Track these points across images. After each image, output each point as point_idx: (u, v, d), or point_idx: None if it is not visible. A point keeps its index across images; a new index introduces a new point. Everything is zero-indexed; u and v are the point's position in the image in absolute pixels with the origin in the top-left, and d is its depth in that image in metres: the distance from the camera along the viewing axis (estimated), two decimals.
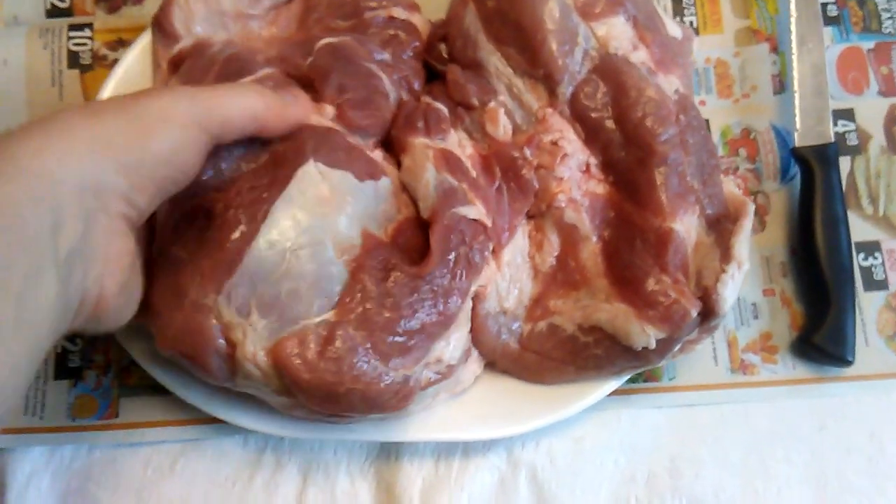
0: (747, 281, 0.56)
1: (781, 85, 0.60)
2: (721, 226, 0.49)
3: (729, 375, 0.54)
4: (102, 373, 0.54)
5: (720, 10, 0.62)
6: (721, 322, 0.49)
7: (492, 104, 0.51)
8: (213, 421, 0.51)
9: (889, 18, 0.62)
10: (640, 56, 0.51)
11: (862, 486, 0.52)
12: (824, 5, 0.62)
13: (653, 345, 0.46)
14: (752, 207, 0.49)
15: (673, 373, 0.54)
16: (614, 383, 0.51)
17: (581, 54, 0.50)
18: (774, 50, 0.61)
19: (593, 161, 0.50)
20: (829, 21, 0.62)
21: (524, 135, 0.51)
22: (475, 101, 0.51)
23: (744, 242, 0.48)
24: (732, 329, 0.55)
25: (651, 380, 0.54)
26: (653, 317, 0.46)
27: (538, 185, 0.50)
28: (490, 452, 0.53)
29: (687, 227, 0.48)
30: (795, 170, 0.58)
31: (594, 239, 0.50)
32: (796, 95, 0.57)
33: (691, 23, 0.61)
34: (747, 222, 0.49)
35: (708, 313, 0.47)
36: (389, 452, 0.52)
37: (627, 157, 0.49)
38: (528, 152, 0.50)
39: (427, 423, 0.50)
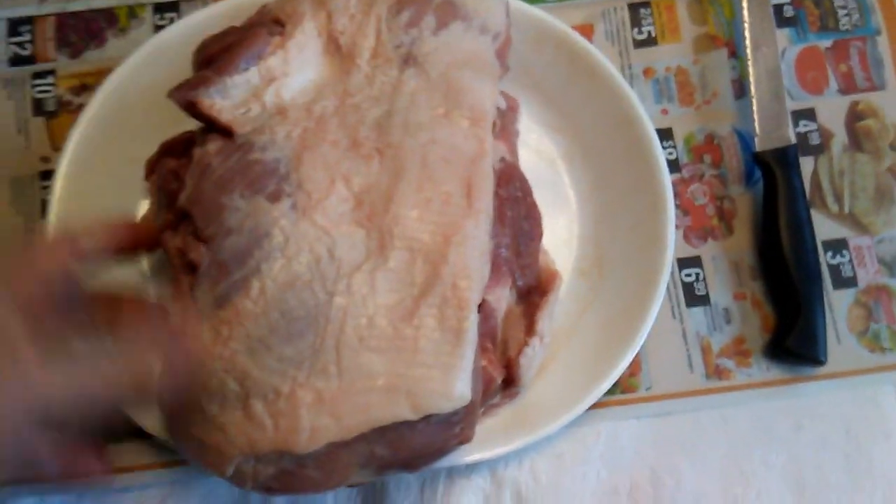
0: (717, 286, 0.57)
1: (742, 89, 0.61)
2: (530, 298, 0.52)
3: (704, 381, 0.55)
4: None
5: (677, 18, 0.63)
6: (522, 390, 0.51)
7: None
8: None
9: (846, 15, 0.63)
10: None
11: (840, 483, 0.53)
12: (780, 6, 0.63)
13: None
14: (560, 282, 0.53)
15: (649, 382, 0.55)
16: (593, 397, 0.52)
17: None
18: (733, 55, 0.62)
19: None
20: (785, 22, 0.62)
21: None
22: None
23: (547, 318, 0.51)
24: (706, 335, 0.56)
25: (628, 391, 0.55)
26: None
27: None
28: (474, 474, 0.53)
29: (498, 297, 0.50)
30: (759, 173, 0.58)
31: None
32: (754, 100, 0.58)
33: (650, 32, 0.62)
34: (553, 297, 0.52)
35: (510, 381, 0.50)
36: (374, 482, 0.53)
37: None
38: None
39: None
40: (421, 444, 0.43)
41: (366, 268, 0.43)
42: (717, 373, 0.55)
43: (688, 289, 0.57)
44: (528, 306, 0.52)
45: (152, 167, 0.51)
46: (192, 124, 0.51)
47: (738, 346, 0.56)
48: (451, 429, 0.44)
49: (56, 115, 0.60)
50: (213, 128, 0.46)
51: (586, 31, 0.62)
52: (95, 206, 0.55)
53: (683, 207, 0.58)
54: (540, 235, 0.54)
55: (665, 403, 0.55)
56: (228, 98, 0.46)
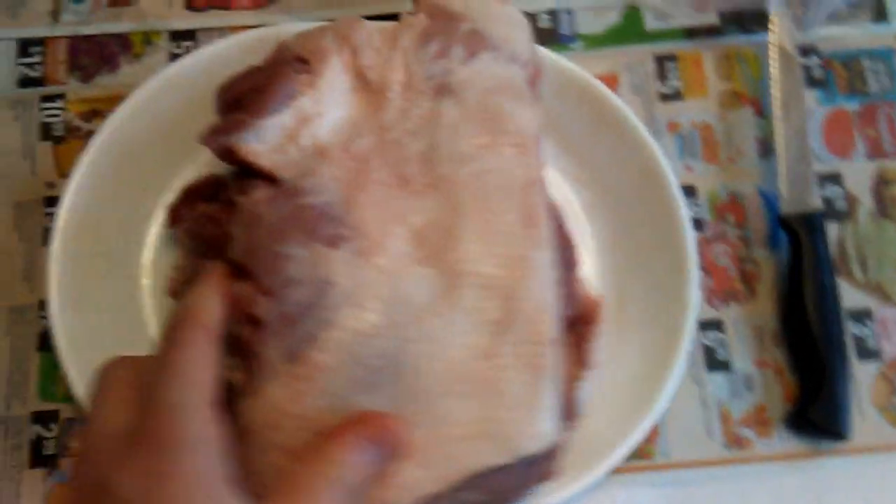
0: (739, 351, 0.55)
1: (765, 148, 0.60)
2: (577, 328, 0.51)
3: (724, 451, 0.53)
4: None
5: (704, 74, 0.62)
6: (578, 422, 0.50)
7: None
8: None
9: (875, 80, 0.62)
10: None
11: None
12: (809, 67, 0.62)
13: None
14: (603, 308, 0.52)
15: (666, 449, 0.53)
16: (610, 462, 0.50)
17: None
18: (759, 113, 0.61)
19: None
20: (814, 83, 0.61)
21: None
22: None
23: (597, 347, 0.50)
24: (726, 402, 0.54)
25: (645, 457, 0.53)
26: None
27: None
28: None
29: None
30: (783, 235, 0.57)
31: None
32: (781, 163, 0.57)
33: (675, 86, 0.61)
34: (600, 325, 0.51)
35: (567, 415, 0.48)
36: None
37: None
38: None
39: None
40: (507, 484, 0.41)
41: (437, 309, 0.41)
42: (736, 442, 0.54)
43: (708, 353, 0.55)
44: (576, 336, 0.51)
45: (178, 213, 0.49)
46: (205, 156, 0.49)
47: (760, 415, 0.54)
48: (537, 467, 0.42)
49: (64, 140, 0.58)
50: (249, 173, 0.44)
51: (611, 81, 0.61)
52: (100, 236, 0.54)
53: (706, 268, 0.57)
54: (577, 263, 0.53)
55: (682, 472, 0.53)
56: (264, 142, 0.44)
